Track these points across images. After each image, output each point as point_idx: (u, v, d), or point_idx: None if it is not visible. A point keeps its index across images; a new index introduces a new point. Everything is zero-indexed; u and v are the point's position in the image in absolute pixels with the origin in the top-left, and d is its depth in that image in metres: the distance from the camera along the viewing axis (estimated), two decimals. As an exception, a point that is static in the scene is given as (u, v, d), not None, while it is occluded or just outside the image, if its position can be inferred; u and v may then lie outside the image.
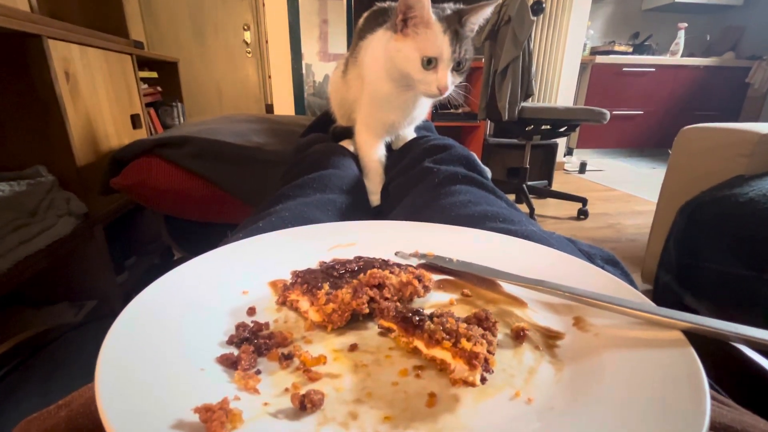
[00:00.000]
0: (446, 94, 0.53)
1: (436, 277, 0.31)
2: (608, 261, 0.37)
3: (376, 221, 0.40)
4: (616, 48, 3.45)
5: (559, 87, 3.01)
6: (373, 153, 0.60)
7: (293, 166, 0.55)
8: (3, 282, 0.66)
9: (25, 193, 0.76)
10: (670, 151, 1.30)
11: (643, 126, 3.57)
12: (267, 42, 2.90)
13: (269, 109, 3.30)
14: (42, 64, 0.78)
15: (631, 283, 0.36)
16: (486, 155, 2.63)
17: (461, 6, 0.53)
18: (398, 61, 0.52)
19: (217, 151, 0.71)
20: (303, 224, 0.38)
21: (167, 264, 1.26)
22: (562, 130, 2.13)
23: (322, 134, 0.74)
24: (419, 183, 0.48)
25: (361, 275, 0.27)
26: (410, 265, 0.30)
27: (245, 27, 3.43)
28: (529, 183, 2.30)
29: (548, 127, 2.12)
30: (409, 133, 0.68)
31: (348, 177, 0.53)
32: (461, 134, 2.80)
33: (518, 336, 0.24)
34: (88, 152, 0.92)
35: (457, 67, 0.53)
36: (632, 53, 3.47)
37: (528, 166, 2.26)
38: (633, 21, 3.71)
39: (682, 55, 3.47)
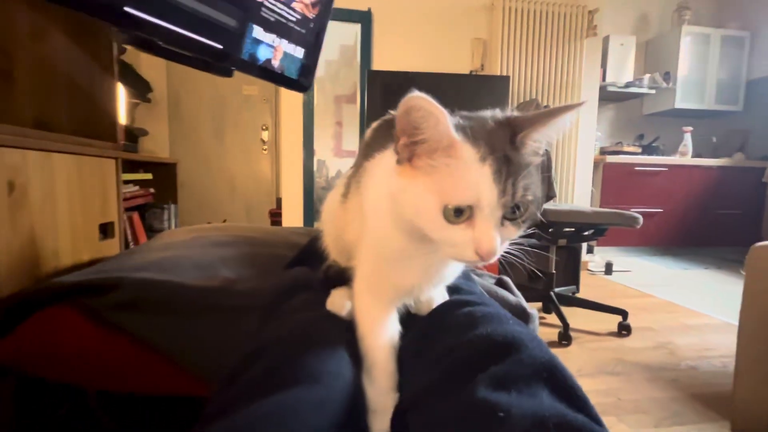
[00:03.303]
0: (493, 259, 0.31)
1: None
2: None
3: None
4: (625, 148, 3.47)
5: (575, 187, 2.98)
6: (379, 333, 0.37)
7: (248, 363, 0.33)
8: None
9: None
10: (742, 272, 1.08)
11: (665, 224, 3.40)
12: (282, 141, 3.06)
13: (278, 203, 3.33)
14: (-23, 175, 0.64)
15: None
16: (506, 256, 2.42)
17: (514, 113, 0.32)
18: (405, 207, 0.31)
19: (159, 299, 0.49)
20: None
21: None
22: (587, 233, 1.95)
23: (310, 272, 0.53)
24: None
25: None
26: None
27: (264, 127, 3.69)
28: (556, 290, 2.04)
29: (572, 229, 1.95)
30: (436, 296, 0.44)
31: (329, 400, 0.30)
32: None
33: None
34: (22, 276, 0.73)
35: (511, 215, 0.31)
36: (641, 153, 3.47)
37: (554, 270, 2.04)
38: (636, 124, 3.82)
39: (691, 156, 3.47)
